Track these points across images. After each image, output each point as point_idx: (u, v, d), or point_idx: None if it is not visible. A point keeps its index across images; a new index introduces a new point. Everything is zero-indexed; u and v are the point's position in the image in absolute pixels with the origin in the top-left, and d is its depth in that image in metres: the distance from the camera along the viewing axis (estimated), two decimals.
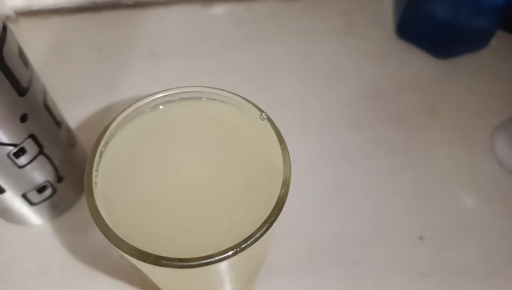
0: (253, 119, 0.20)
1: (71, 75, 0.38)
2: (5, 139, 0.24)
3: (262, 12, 0.43)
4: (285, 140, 0.35)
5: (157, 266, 0.16)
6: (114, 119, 0.19)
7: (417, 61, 0.40)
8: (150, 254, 0.16)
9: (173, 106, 0.20)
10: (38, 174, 0.28)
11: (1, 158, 0.25)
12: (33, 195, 0.29)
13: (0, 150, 0.25)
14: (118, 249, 0.16)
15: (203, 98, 0.20)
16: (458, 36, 0.39)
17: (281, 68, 0.40)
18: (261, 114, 0.19)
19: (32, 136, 0.26)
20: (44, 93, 0.27)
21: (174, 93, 0.20)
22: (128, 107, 0.19)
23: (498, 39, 0.42)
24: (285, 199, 0.17)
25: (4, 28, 0.23)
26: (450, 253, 0.31)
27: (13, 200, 0.28)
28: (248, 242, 0.16)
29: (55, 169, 0.29)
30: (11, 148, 0.25)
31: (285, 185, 0.17)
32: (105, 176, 0.18)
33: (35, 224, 0.32)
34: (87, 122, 0.36)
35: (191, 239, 0.18)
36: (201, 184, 0.19)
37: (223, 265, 0.17)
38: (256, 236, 0.17)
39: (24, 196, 0.28)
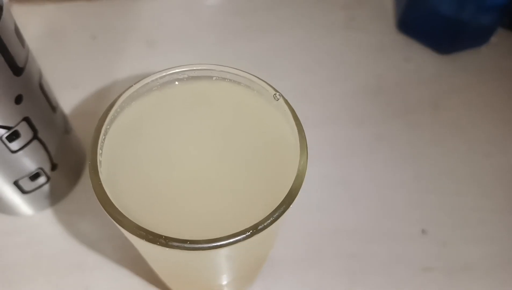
0: (266, 99, 0.19)
1: (65, 62, 0.37)
2: None
3: (262, 3, 0.43)
4: None
5: (166, 249, 0.15)
6: (119, 96, 0.18)
7: (418, 56, 0.40)
8: (160, 236, 0.15)
9: (182, 85, 0.19)
10: (32, 160, 0.26)
11: None
12: (25, 182, 0.27)
13: None
14: (125, 231, 0.15)
15: (214, 77, 0.19)
16: (460, 31, 0.39)
17: (281, 60, 0.39)
18: (275, 93, 0.18)
19: (26, 119, 0.24)
20: (40, 74, 0.26)
21: (183, 71, 0.19)
22: (135, 83, 0.18)
23: (498, 36, 0.42)
24: (301, 182, 0.16)
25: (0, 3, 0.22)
26: (453, 248, 0.31)
27: (4, 188, 0.27)
28: (264, 224, 0.15)
29: (49, 155, 0.27)
30: (4, 131, 0.24)
31: (301, 169, 0.17)
32: (110, 155, 0.17)
33: (26, 214, 0.30)
34: (81, 109, 0.34)
35: (199, 222, 0.17)
36: (211, 165, 0.18)
37: (233, 250, 0.16)
38: (271, 219, 0.16)
39: (16, 184, 0.27)
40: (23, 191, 0.28)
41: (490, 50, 0.41)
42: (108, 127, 0.18)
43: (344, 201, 0.33)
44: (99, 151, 0.16)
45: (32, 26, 0.38)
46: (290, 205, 0.16)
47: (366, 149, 0.35)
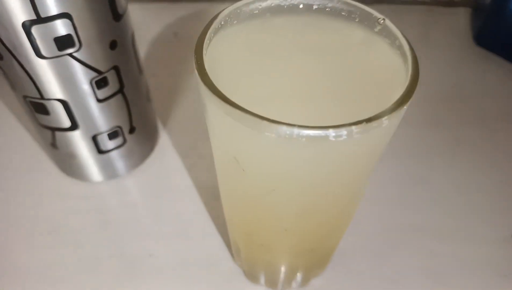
0: (369, 27, 0.18)
1: (147, 54, 0.39)
2: (92, 62, 0.24)
3: None
4: None
5: (265, 141, 0.14)
6: (222, 11, 0.18)
7: (497, 69, 0.39)
8: (266, 118, 0.14)
9: (284, 16, 0.19)
10: (113, 115, 0.27)
11: (84, 84, 0.24)
12: (103, 139, 0.27)
13: (85, 74, 0.24)
14: (225, 113, 0.14)
15: (314, 6, 0.19)
16: None
17: None
18: (378, 19, 0.18)
19: (116, 68, 0.25)
20: (133, 33, 0.27)
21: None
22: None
23: None
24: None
25: None
26: None
27: (83, 142, 0.27)
28: (379, 119, 0.14)
29: (130, 116, 0.28)
30: (95, 74, 0.24)
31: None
32: (211, 59, 0.17)
33: (96, 181, 0.30)
34: (158, 94, 0.35)
35: None
36: (311, 81, 0.17)
37: (335, 152, 0.15)
38: (386, 116, 0.14)
39: (94, 139, 0.27)
40: (99, 150, 0.28)
41: None
42: (212, 35, 0.18)
43: (423, 199, 0.31)
44: (204, 51, 0.16)
45: None
46: (406, 103, 0.15)
47: (446, 151, 0.33)
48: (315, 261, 0.25)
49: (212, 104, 0.15)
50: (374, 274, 0.27)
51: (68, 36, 0.22)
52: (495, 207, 0.30)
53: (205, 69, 0.15)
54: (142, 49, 0.39)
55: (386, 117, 0.14)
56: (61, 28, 0.22)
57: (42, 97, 0.24)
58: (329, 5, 0.19)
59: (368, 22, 0.18)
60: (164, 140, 0.33)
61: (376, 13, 0.18)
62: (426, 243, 0.28)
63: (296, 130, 0.14)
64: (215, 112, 0.15)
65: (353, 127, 0.14)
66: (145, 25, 0.41)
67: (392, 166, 0.32)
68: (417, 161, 0.32)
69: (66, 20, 0.22)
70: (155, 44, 0.40)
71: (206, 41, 0.17)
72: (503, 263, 0.27)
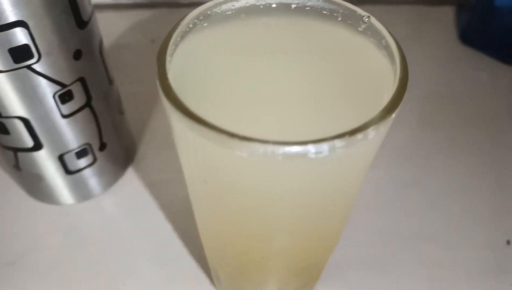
0: (353, 26, 0.17)
1: (126, 61, 0.37)
2: (54, 74, 0.22)
3: None
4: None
5: (235, 158, 0.12)
6: (191, 13, 0.16)
7: (486, 67, 0.38)
8: (237, 135, 0.12)
9: (260, 16, 0.17)
10: (81, 131, 0.25)
11: (46, 98, 0.22)
12: (71, 159, 0.25)
13: (47, 88, 0.22)
14: (191, 130, 0.12)
15: (292, 6, 0.17)
16: None
17: None
18: (363, 17, 0.16)
19: (81, 80, 0.23)
20: (101, 41, 0.25)
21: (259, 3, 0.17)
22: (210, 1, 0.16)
23: None
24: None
25: None
26: None
27: (49, 162, 0.25)
28: (365, 130, 0.12)
29: (100, 131, 0.26)
30: (58, 87, 0.22)
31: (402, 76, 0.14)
32: (178, 70, 0.15)
33: (67, 203, 0.28)
34: (135, 103, 0.33)
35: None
36: (289, 84, 0.16)
37: (313, 175, 0.13)
38: (372, 126, 0.13)
39: (60, 159, 0.25)
40: (67, 171, 0.26)
41: None
42: (179, 39, 0.16)
43: (419, 203, 0.29)
44: (168, 58, 0.14)
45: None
46: (393, 112, 0.13)
47: (441, 153, 0.32)
48: (302, 282, 0.23)
49: (176, 119, 0.13)
50: (368, 286, 0.25)
51: (25, 46, 0.20)
52: (492, 210, 0.29)
53: (167, 79, 0.13)
54: (119, 57, 0.37)
55: (372, 128, 0.13)
56: (16, 37, 0.20)
57: (0, 116, 0.22)
58: (309, 3, 0.17)
59: (352, 21, 0.17)
60: (141, 154, 0.31)
61: (360, 11, 0.16)
62: (422, 250, 0.27)
63: (270, 147, 0.12)
64: (180, 129, 0.14)
65: (336, 141, 0.12)
66: (121, 33, 0.39)
67: (384, 170, 0.30)
68: (410, 164, 0.31)
69: (22, 29, 0.19)
70: (132, 52, 0.38)
71: (171, 46, 0.15)
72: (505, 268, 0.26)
